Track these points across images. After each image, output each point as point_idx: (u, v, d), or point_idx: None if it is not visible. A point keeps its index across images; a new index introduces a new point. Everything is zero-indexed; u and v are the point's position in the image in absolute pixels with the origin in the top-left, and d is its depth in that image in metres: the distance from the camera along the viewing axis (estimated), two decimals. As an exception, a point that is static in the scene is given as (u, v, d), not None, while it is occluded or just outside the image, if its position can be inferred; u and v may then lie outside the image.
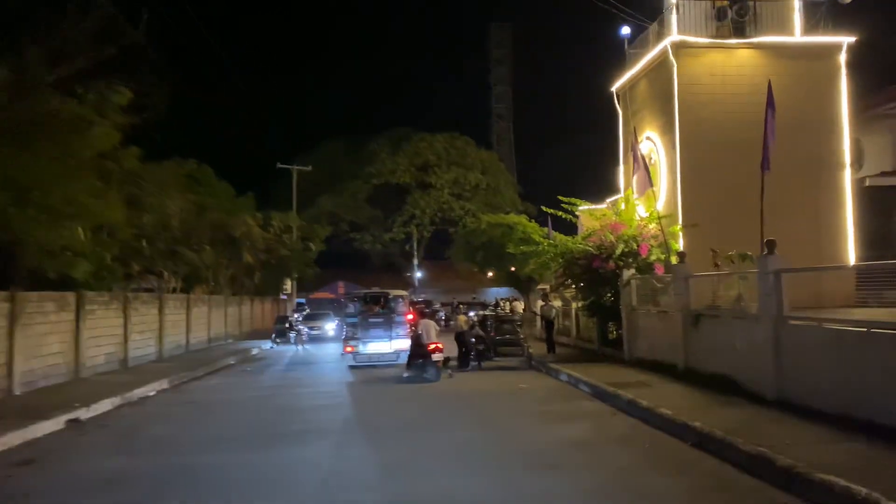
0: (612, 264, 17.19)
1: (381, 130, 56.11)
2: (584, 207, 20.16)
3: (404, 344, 18.84)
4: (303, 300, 57.30)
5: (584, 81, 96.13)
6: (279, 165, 44.92)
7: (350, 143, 56.19)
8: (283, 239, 32.78)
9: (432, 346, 15.84)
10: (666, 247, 17.45)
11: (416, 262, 55.09)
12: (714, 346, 12.68)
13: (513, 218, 37.09)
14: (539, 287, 42.46)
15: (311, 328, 32.00)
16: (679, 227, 17.05)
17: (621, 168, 22.53)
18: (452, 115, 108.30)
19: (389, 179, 52.32)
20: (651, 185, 14.82)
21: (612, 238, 17.57)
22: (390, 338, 19.89)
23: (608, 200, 36.51)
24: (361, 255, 57.57)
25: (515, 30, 77.75)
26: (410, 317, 22.28)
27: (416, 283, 54.24)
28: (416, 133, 54.61)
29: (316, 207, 50.78)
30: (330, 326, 33.69)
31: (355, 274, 55.89)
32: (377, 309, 21.91)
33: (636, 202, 19.33)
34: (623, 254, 17.27)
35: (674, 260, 16.83)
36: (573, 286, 19.16)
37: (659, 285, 16.32)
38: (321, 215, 50.55)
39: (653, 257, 17.23)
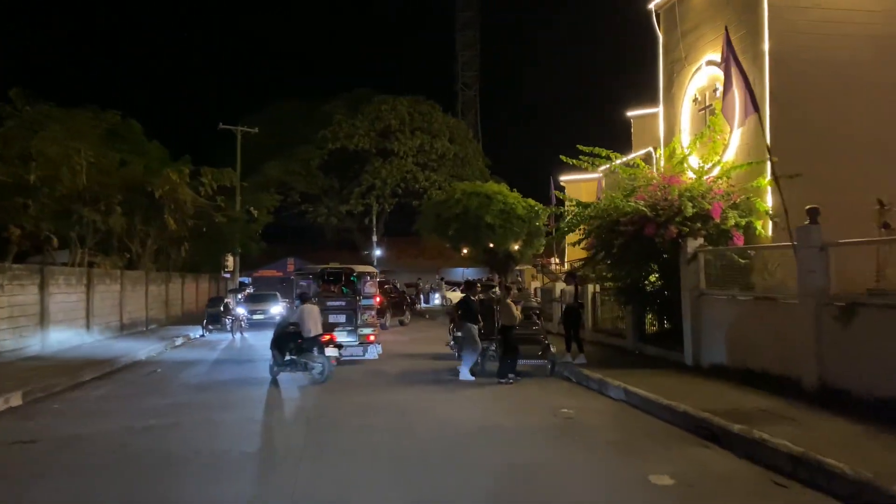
0: (673, 230, 12.25)
1: (337, 93, 50.44)
2: (619, 161, 15.15)
3: (373, 334, 15.46)
4: (247, 279, 51.40)
5: (562, 54, 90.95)
6: (221, 126, 38.98)
7: (303, 104, 50.30)
8: (218, 202, 26.85)
9: (326, 338, 12.82)
10: (747, 208, 12.61)
11: (375, 238, 49.66)
12: (884, 354, 7.93)
13: (492, 186, 32.13)
14: (518, 267, 37.77)
15: (252, 312, 26.50)
16: (767, 179, 12.21)
17: (661, 111, 17.52)
18: (416, 81, 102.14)
19: (346, 145, 46.63)
20: (756, 109, 9.89)
21: (675, 194, 12.61)
22: (355, 326, 15.32)
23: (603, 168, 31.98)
24: (314, 230, 52.00)
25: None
26: (378, 299, 17.29)
27: (375, 262, 48.84)
28: (377, 95, 49.00)
29: (262, 175, 44.87)
30: (276, 310, 28.12)
31: (307, 251, 50.26)
32: (338, 289, 16.77)
33: (685, 151, 14.42)
34: (688, 217, 12.35)
35: (758, 224, 12.01)
36: (605, 261, 14.13)
37: (742, 261, 11.49)
38: (269, 184, 44.69)
39: (730, 222, 12.35)
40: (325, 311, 15.20)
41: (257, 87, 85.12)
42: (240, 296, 27.34)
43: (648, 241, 12.58)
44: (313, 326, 12.85)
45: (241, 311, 24.00)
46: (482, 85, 71.77)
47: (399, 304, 25.96)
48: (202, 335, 23.18)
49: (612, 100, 61.75)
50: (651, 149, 17.24)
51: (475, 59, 71.97)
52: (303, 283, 16.11)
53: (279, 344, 12.76)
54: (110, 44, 78.45)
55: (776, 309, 10.08)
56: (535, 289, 27.02)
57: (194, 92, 79.16)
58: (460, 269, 55.68)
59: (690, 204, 12.24)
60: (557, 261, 36.49)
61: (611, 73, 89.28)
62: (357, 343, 15.35)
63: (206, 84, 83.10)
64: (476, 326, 12.47)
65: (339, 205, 48.27)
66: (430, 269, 54.96)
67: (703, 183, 12.95)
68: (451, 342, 15.81)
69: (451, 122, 51.90)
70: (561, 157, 15.06)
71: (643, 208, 12.40)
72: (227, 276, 41.06)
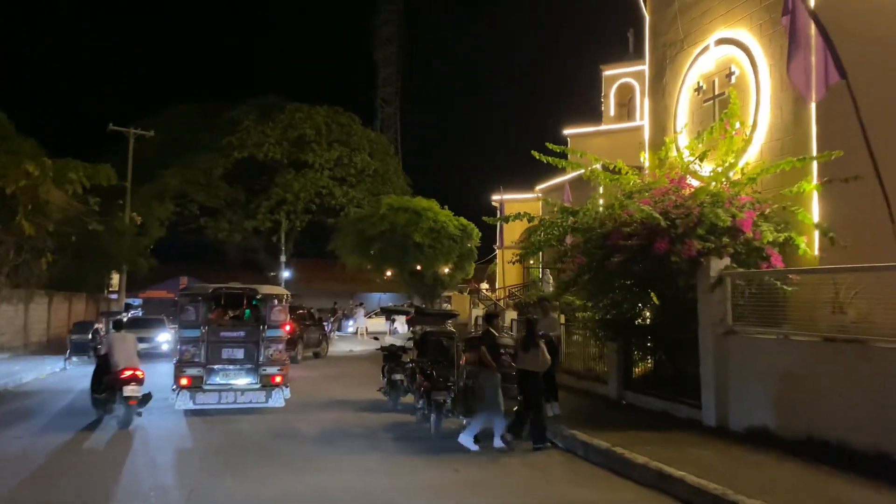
0: (695, 245, 9.26)
1: (247, 99, 45.89)
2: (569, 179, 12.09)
3: (281, 374, 11.85)
4: (136, 300, 45.82)
5: (493, 71, 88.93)
6: (112, 128, 34.30)
7: (207, 108, 45.43)
8: (90, 205, 22.21)
9: (127, 374, 10.48)
10: (782, 220, 9.81)
11: (283, 258, 45.19)
12: None
13: (421, 202, 28.89)
14: (446, 294, 34.52)
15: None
16: (814, 183, 9.45)
17: (646, 107, 14.70)
18: (333, 96, 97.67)
19: (255, 154, 41.94)
20: (842, 75, 7.08)
21: (694, 199, 9.64)
22: (255, 364, 11.77)
23: (546, 185, 29.39)
24: (215, 248, 46.69)
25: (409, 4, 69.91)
26: (288, 328, 13.64)
27: (283, 285, 44.37)
28: (290, 102, 44.85)
29: (158, 184, 39.73)
30: (164, 337, 23.69)
31: (205, 270, 45.12)
32: (238, 315, 13.00)
33: (683, 152, 11.57)
34: (710, 230, 9.41)
35: (801, 241, 9.24)
36: (588, 285, 10.98)
37: (788, 288, 8.62)
38: (165, 194, 39.60)
39: (767, 237, 9.47)
40: (216, 344, 11.66)
41: (156, 91, 78.54)
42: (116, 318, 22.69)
43: (656, 260, 9.54)
44: (122, 359, 10.67)
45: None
46: (404, 102, 68.90)
47: (314, 334, 21.97)
48: (63, 369, 18.59)
49: (550, 118, 60.10)
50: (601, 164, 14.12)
51: (395, 76, 69.08)
52: (189, 306, 12.20)
53: (93, 380, 10.97)
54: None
55: (866, 356, 7.18)
56: (511, 320, 23.93)
57: (83, 93, 72.11)
58: (377, 295, 52.10)
59: (720, 212, 9.26)
60: (487, 286, 33.61)
61: (547, 91, 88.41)
62: (258, 386, 11.69)
63: (98, 85, 76.06)
64: (499, 376, 9.01)
65: (243, 220, 43.38)
66: (344, 294, 50.97)
67: (720, 190, 10.06)
68: (386, 387, 12.31)
69: (372, 136, 48.30)
70: (533, 153, 11.90)
71: (656, 216, 9.33)
72: (114, 296, 35.91)
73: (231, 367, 11.57)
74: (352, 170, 44.45)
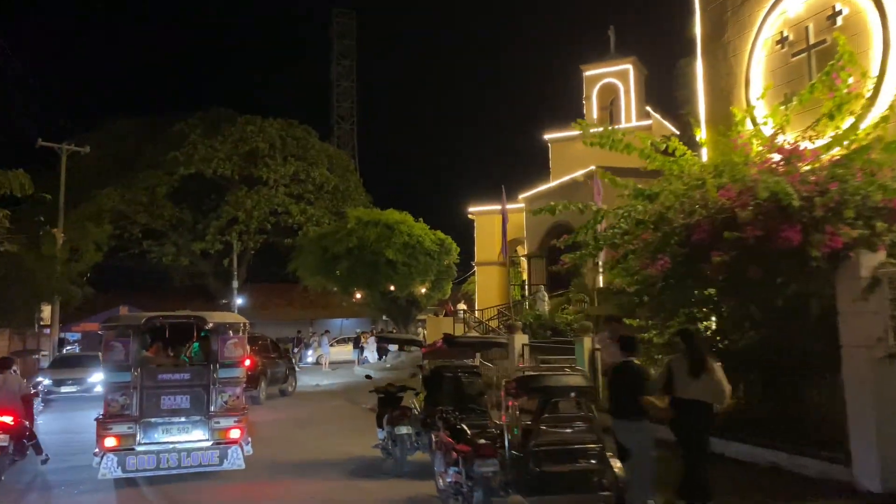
0: (840, 235, 6.48)
1: (192, 112, 42.37)
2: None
3: (239, 426, 9.06)
4: (75, 335, 41.43)
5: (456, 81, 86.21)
6: (41, 143, 30.78)
7: (150, 123, 41.76)
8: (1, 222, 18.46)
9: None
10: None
11: (236, 284, 41.33)
12: None
13: (393, 215, 25.86)
14: (421, 317, 31.44)
15: (57, 382, 18.36)
16: None
17: (699, 70, 11.92)
18: (287, 111, 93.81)
19: (203, 170, 38.29)
20: None
21: (832, 173, 6.88)
22: (205, 414, 8.98)
23: (532, 192, 26.60)
24: (159, 275, 42.84)
25: (363, 18, 67.27)
26: (248, 363, 10.49)
27: (236, 312, 40.58)
28: (240, 116, 41.51)
29: (95, 204, 35.86)
30: (99, 378, 19.95)
31: (150, 299, 40.99)
32: (180, 354, 9.80)
33: (761, 122, 8.86)
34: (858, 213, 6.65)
35: None
36: (661, 298, 8.08)
37: None
38: (103, 215, 35.65)
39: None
40: (153, 391, 8.77)
41: (92, 103, 73.26)
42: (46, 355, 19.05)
43: (779, 255, 6.73)
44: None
45: (39, 380, 15.97)
46: (362, 118, 65.98)
47: (279, 367, 18.78)
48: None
49: (528, 124, 57.71)
50: (595, 168, 11.34)
51: (352, 90, 66.20)
52: (116, 342, 9.02)
53: None
54: None
55: None
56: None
57: (7, 105, 66.17)
58: (339, 320, 48.53)
59: (872, 188, 6.51)
60: (465, 307, 30.69)
61: (520, 96, 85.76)
62: (210, 443, 8.77)
63: (25, 96, 69.75)
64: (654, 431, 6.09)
65: (191, 242, 39.66)
66: (303, 321, 47.22)
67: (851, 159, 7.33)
68: (386, 443, 9.22)
69: (331, 151, 45.25)
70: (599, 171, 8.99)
71: (790, 191, 6.51)
72: (47, 331, 31.81)
73: (174, 419, 8.70)
74: (310, 186, 41.29)
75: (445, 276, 27.10)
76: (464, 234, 29.51)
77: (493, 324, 23.11)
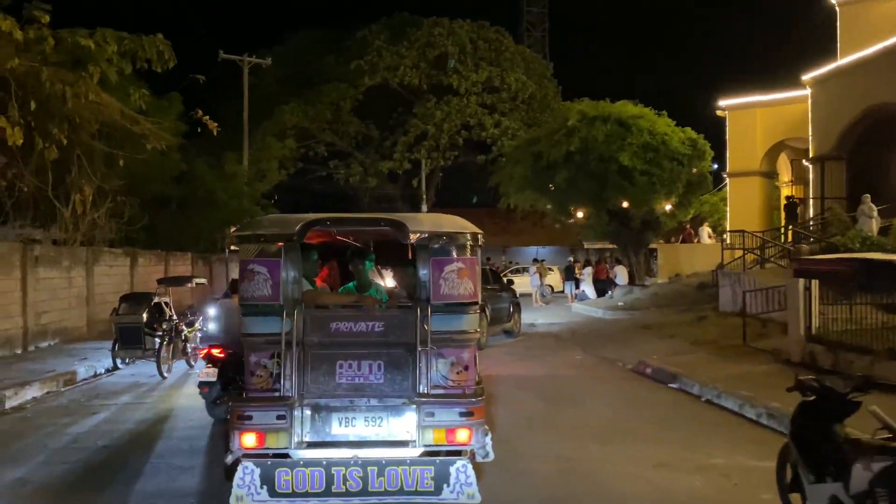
0: None
1: (376, 18, 38.78)
2: None
3: (464, 428, 4.75)
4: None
5: None
6: (223, 56, 28.77)
7: (331, 34, 38.32)
8: (133, 98, 14.42)
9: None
10: None
11: (425, 208, 38.06)
12: None
13: (627, 108, 20.53)
14: (656, 242, 25.95)
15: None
16: None
17: None
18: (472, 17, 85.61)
19: (389, 79, 34.82)
20: None
21: None
22: (413, 400, 4.84)
23: (826, 69, 19.48)
24: (345, 198, 40.48)
25: None
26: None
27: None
28: (426, 19, 37.22)
29: (277, 121, 33.58)
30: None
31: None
32: (365, 287, 5.73)
33: None
34: None
35: None
36: None
37: None
38: (285, 132, 33.40)
39: None
40: (324, 351, 4.99)
41: (273, 16, 70.42)
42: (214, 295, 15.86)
43: None
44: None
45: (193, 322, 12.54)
46: (555, 24, 59.05)
47: (502, 302, 15.14)
48: (108, 369, 11.79)
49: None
50: None
51: (543, -8, 59.22)
52: (257, 266, 4.97)
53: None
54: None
55: None
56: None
57: (187, 19, 64.50)
58: (533, 248, 44.02)
59: None
60: (710, 232, 24.76)
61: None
62: (418, 451, 4.86)
63: (205, 10, 68.42)
64: None
65: (377, 161, 36.76)
66: (494, 248, 43.31)
67: None
68: None
69: (527, 54, 39.97)
70: None
71: None
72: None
73: (358, 402, 4.96)
74: (504, 95, 36.45)
75: (696, 188, 21.48)
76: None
77: (770, 252, 16.96)
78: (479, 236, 5.20)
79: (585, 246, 40.05)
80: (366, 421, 4.87)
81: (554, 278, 28.60)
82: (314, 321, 4.92)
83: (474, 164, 36.40)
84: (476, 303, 5.06)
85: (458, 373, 4.99)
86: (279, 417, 4.75)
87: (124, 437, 7.35)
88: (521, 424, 7.64)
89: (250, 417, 4.76)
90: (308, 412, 4.83)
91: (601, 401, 8.98)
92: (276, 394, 4.78)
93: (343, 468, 4.71)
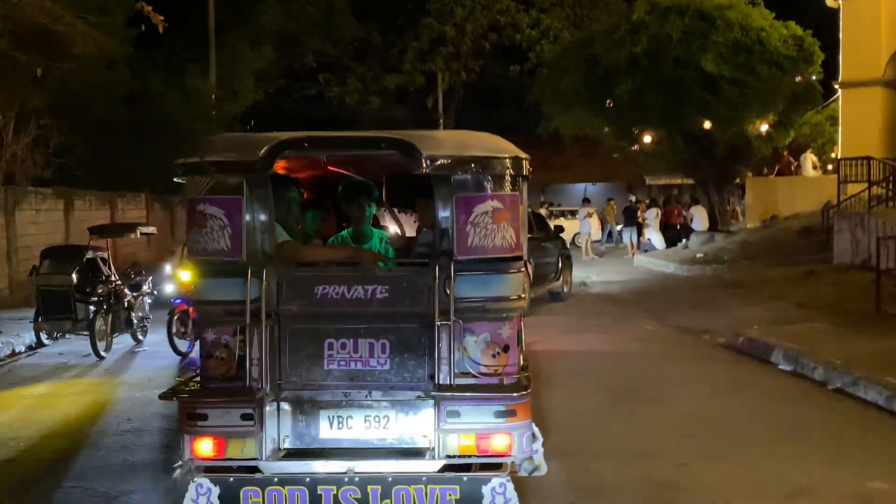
0: None
1: None
2: None
3: (503, 434, 4.44)
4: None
5: None
6: None
7: None
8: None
9: None
10: None
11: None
12: None
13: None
14: (745, 176, 25.83)
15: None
16: None
17: None
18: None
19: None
20: None
21: None
22: (430, 393, 4.43)
23: None
24: (339, 121, 39.30)
25: None
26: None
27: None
28: None
29: (252, 26, 33.12)
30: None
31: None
32: (363, 238, 5.45)
33: None
34: None
35: None
36: None
37: None
38: (262, 39, 32.95)
39: None
40: (307, 325, 4.71)
41: None
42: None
43: None
44: None
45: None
46: None
47: (549, 256, 15.07)
48: (31, 346, 11.34)
49: None
50: None
51: None
52: (210, 208, 4.60)
53: None
54: None
55: None
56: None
57: None
58: (580, 186, 44.26)
59: None
60: (815, 160, 24.26)
61: None
62: (438, 464, 4.51)
63: None
64: None
65: (382, 75, 36.98)
66: (532, 187, 43.06)
67: None
68: None
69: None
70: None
71: None
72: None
73: (355, 394, 4.75)
74: (543, -16, 36.79)
75: (802, 103, 21.27)
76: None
77: None
78: (525, 162, 4.76)
79: (647, 182, 40.24)
80: (366, 421, 4.63)
81: (593, 224, 28.52)
82: (293, 284, 4.61)
83: (506, 78, 36.19)
84: (519, 257, 4.69)
85: (493, 355, 4.60)
86: (245, 417, 4.47)
87: (33, 446, 6.76)
88: (584, 427, 6.98)
89: (205, 417, 4.48)
90: (286, 409, 4.64)
91: (691, 391, 8.31)
92: (242, 384, 4.49)
93: (334, 487, 4.43)
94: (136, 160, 22.85)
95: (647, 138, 23.40)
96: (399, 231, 6.54)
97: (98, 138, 20.84)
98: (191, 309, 9.99)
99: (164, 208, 25.42)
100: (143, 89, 22.75)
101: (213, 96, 27.18)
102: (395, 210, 6.65)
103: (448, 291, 4.42)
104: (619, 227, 27.44)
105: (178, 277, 10.80)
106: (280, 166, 5.13)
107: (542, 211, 32.65)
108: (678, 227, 24.45)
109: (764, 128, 21.98)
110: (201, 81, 26.37)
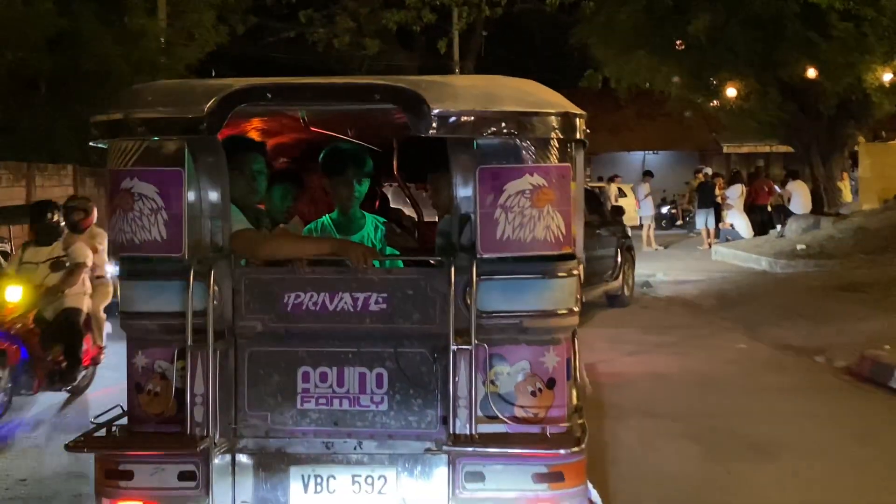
0: None
1: None
2: None
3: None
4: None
5: None
6: None
7: None
8: None
9: None
10: None
11: (459, 86, 38.72)
12: None
13: None
14: (861, 141, 26.21)
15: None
16: None
17: None
18: None
19: None
20: None
21: None
22: (442, 446, 4.50)
23: None
24: (327, 70, 41.05)
25: None
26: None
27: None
28: None
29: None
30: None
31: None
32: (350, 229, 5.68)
33: None
34: None
35: None
36: None
37: None
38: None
39: None
40: (273, 349, 4.81)
41: None
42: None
43: None
44: None
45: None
46: None
47: (606, 247, 15.86)
48: None
49: None
50: None
51: None
52: (139, 184, 4.63)
53: None
54: None
55: None
56: None
57: None
58: (638, 154, 46.19)
59: None
60: None
61: None
62: None
63: None
64: None
65: (380, 12, 37.78)
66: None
67: None
68: None
69: None
70: None
71: None
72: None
73: (338, 446, 4.87)
74: None
75: None
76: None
77: None
78: (580, 121, 4.66)
79: (725, 150, 40.96)
80: (354, 483, 4.71)
81: (628, 205, 28.68)
82: (254, 291, 4.70)
83: (540, 14, 36.65)
84: (571, 255, 4.70)
85: (533, 393, 4.65)
86: (184, 476, 4.57)
87: None
88: (664, 496, 6.79)
89: (130, 475, 4.58)
90: (244, 464, 4.71)
91: (812, 437, 8.21)
92: (181, 429, 4.54)
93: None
94: (61, 122, 23.41)
95: (731, 91, 23.87)
96: (415, 214, 6.60)
97: (10, 93, 21.55)
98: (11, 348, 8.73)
99: (96, 184, 25.99)
100: (72, 30, 23.17)
101: (162, 39, 27.94)
102: (411, 187, 6.69)
103: (469, 302, 4.36)
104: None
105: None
106: (247, 128, 5.22)
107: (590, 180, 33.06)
108: (769, 208, 24.81)
109: (888, 77, 22.18)
110: (147, 20, 27.02)
